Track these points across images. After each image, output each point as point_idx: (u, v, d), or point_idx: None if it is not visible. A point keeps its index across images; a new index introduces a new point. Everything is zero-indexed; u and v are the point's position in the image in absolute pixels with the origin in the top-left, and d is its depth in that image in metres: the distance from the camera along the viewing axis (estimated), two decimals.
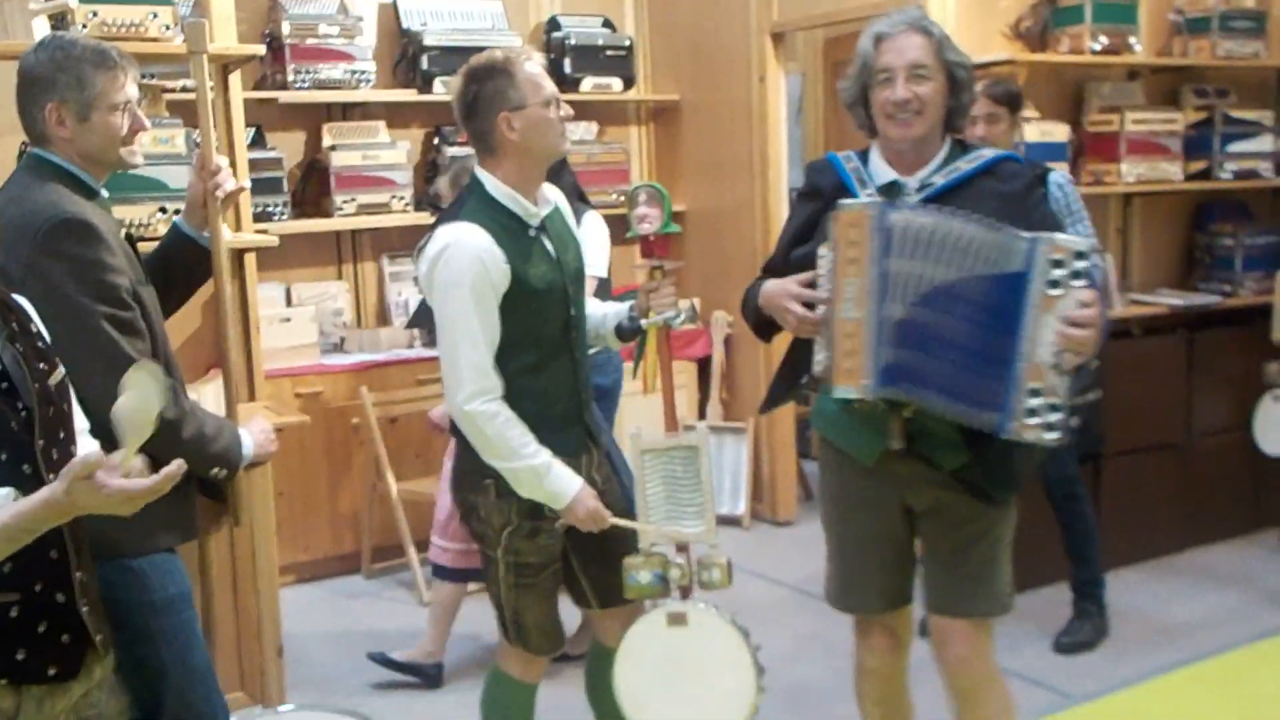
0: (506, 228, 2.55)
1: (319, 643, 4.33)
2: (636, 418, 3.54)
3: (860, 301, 2.38)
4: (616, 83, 5.68)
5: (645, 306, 2.69)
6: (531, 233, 2.59)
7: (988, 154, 2.54)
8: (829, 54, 5.63)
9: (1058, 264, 2.30)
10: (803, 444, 6.08)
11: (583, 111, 5.74)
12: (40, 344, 1.91)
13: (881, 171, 2.56)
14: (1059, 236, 2.33)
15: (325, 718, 3.01)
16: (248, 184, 3.15)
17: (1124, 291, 4.97)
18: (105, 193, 2.41)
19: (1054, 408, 2.32)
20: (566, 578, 2.80)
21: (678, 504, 2.65)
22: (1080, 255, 2.30)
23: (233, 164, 3.33)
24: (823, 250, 2.46)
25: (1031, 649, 4.06)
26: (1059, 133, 4.64)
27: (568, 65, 5.51)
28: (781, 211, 5.45)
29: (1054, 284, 2.30)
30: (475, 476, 2.62)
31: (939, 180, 2.49)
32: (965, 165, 2.51)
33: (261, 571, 3.39)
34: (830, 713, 3.60)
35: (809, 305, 2.47)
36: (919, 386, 2.39)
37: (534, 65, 2.56)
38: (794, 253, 2.63)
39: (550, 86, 2.56)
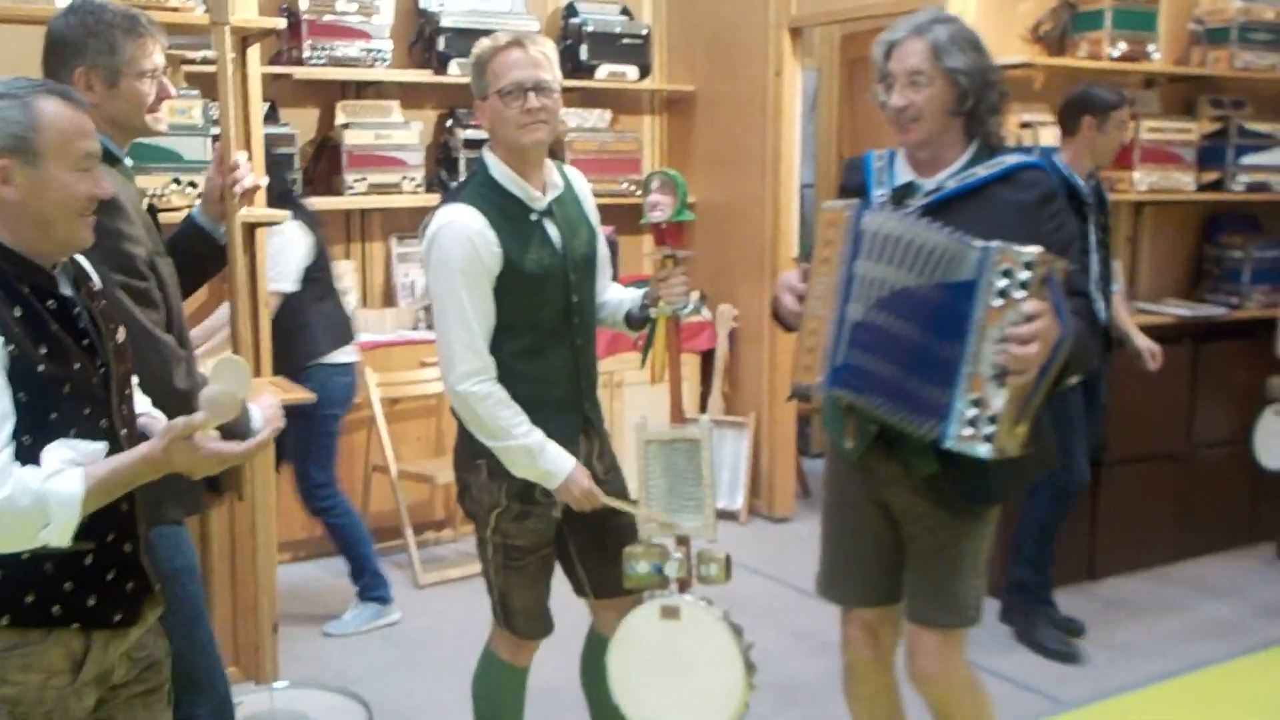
0: (504, 211, 2.56)
1: (312, 621, 4.33)
2: (642, 408, 3.53)
3: (826, 300, 2.40)
4: (632, 71, 5.66)
5: (655, 296, 2.68)
6: (533, 217, 2.59)
7: (1010, 160, 2.49)
8: (845, 51, 5.61)
9: (1006, 274, 2.23)
10: (803, 440, 6.09)
11: (597, 99, 5.74)
12: (105, 303, 2.00)
13: (902, 172, 2.56)
14: (1011, 246, 2.24)
15: (321, 696, 3.02)
16: (264, 181, 3.15)
17: (1131, 300, 4.96)
18: (129, 161, 2.42)
19: (992, 420, 2.25)
20: (566, 567, 2.81)
21: (679, 496, 2.65)
22: (1029, 265, 2.22)
23: (248, 139, 3.33)
24: None
25: (1022, 652, 4.07)
26: None
27: (584, 52, 5.49)
28: (792, 207, 5.45)
29: (1001, 294, 2.24)
30: (468, 456, 2.64)
31: (950, 185, 2.47)
32: (981, 171, 2.47)
33: (260, 548, 3.39)
34: (823, 710, 3.60)
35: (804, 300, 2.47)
36: (864, 389, 2.38)
37: (512, 54, 2.52)
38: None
39: (514, 76, 2.50)
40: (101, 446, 1.83)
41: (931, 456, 2.43)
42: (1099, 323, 2.48)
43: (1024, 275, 2.22)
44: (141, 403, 2.11)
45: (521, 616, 2.74)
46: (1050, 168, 2.54)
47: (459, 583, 4.69)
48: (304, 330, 4.12)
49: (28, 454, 1.78)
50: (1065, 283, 2.32)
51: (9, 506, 1.73)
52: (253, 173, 2.73)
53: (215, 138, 3.11)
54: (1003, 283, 2.23)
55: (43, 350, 1.81)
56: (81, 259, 2.03)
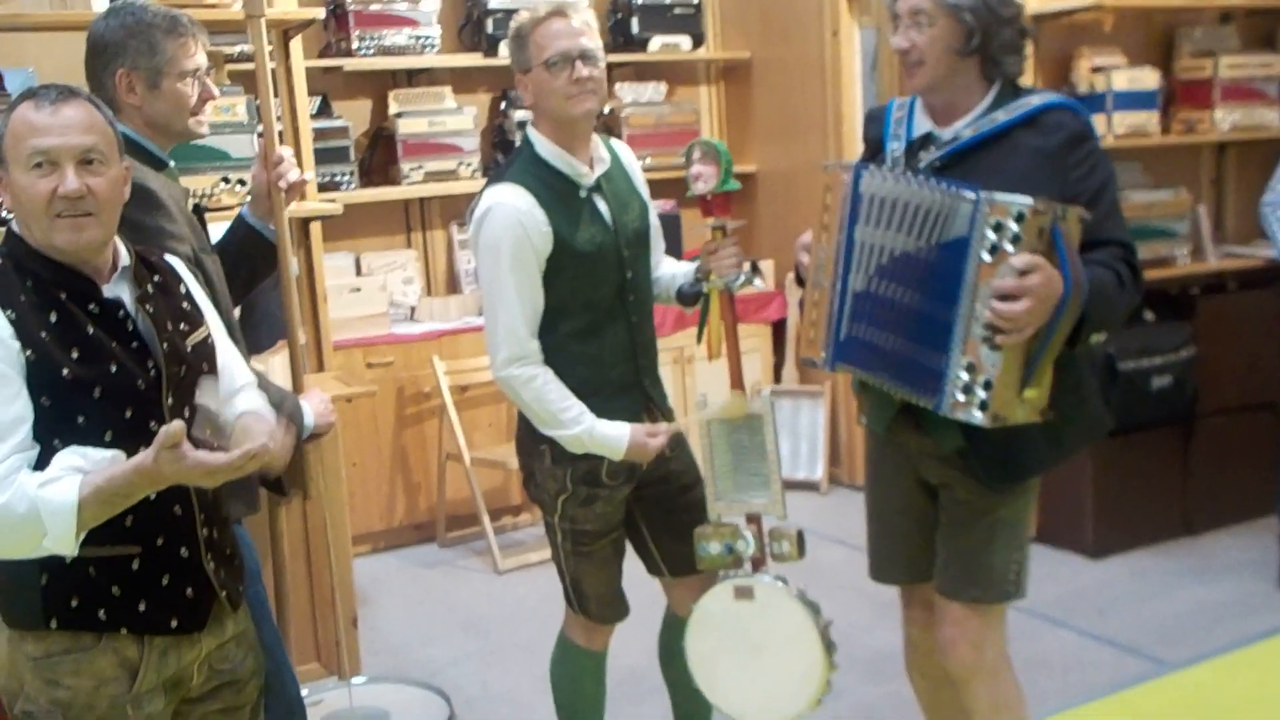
0: (553, 188, 2.49)
1: (394, 612, 4.33)
2: (705, 384, 3.46)
3: (826, 269, 2.29)
4: (685, 41, 5.56)
5: (707, 269, 2.59)
6: (582, 194, 2.53)
7: (1034, 102, 2.29)
8: None
9: (997, 227, 2.08)
10: None
11: (651, 71, 5.65)
12: (186, 305, 1.98)
13: (920, 122, 2.39)
14: (999, 195, 2.08)
15: (401, 690, 2.98)
16: (311, 175, 3.11)
17: (1219, 244, 4.77)
18: (172, 163, 2.40)
19: (986, 385, 2.12)
20: (638, 547, 2.76)
21: (745, 474, 2.57)
22: (1019, 217, 2.06)
23: (295, 133, 3.30)
24: None
25: (1121, 616, 3.93)
26: (1149, 80, 4.45)
27: (635, 24, 5.40)
28: None
29: (992, 249, 2.09)
30: (531, 442, 2.59)
31: (967, 134, 2.29)
32: (1002, 116, 2.28)
33: (334, 543, 3.38)
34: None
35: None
36: (869, 363, 2.29)
37: (554, 24, 2.46)
38: None
39: (559, 46, 2.44)
40: (112, 455, 1.77)
41: (957, 431, 2.29)
42: (1139, 273, 2.30)
43: (1015, 228, 2.06)
44: (250, 400, 2.07)
45: (595, 601, 2.69)
46: (1081, 108, 2.35)
47: (538, 567, 4.65)
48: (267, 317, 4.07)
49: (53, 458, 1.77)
50: (1089, 231, 2.17)
51: (7, 513, 1.70)
52: (298, 167, 2.69)
53: (261, 134, 3.09)
54: (993, 237, 2.08)
55: (74, 354, 1.79)
56: (174, 260, 2.03)
